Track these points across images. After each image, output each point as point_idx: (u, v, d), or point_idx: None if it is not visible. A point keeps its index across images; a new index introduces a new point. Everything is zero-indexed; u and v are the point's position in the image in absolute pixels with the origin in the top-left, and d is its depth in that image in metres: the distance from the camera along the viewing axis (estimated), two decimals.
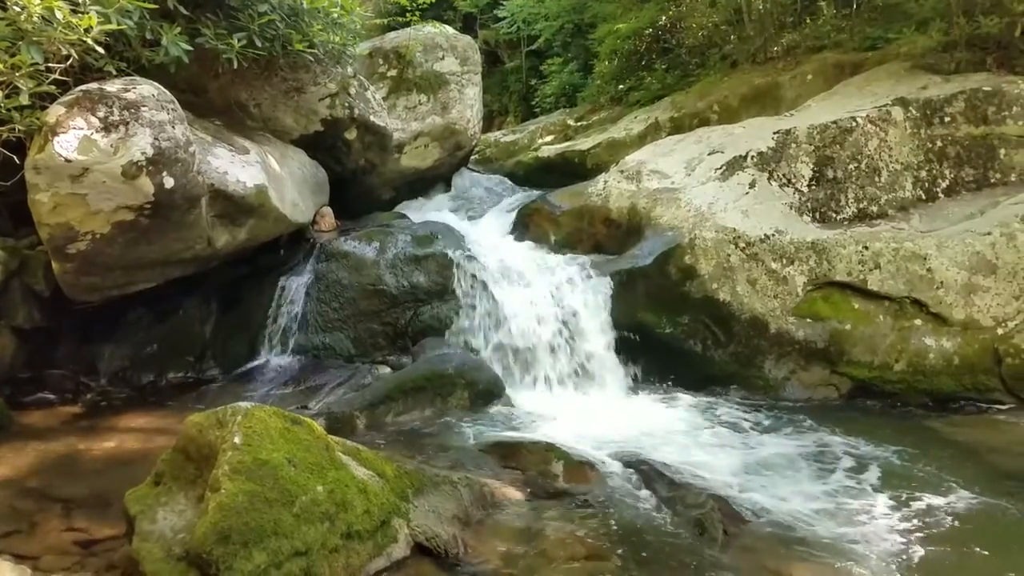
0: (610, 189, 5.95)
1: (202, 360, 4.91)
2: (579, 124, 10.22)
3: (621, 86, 10.26)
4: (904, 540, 2.88)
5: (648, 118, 8.54)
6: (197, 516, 2.29)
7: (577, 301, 5.09)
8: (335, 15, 5.50)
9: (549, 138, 10.13)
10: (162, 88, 3.90)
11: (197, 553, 2.16)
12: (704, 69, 9.14)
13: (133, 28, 3.91)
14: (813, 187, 5.38)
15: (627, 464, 3.56)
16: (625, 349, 5.00)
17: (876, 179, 5.38)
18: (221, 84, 5.28)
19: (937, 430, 4.21)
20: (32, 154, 3.52)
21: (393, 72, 7.54)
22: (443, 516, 2.78)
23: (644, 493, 3.27)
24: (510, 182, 8.32)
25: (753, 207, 5.24)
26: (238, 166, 4.59)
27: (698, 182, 5.60)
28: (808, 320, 4.83)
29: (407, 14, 8.00)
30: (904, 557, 2.75)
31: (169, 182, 3.83)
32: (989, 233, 4.83)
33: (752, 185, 5.40)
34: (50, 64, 3.48)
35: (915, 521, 3.05)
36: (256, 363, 4.89)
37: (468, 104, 7.73)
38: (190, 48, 4.27)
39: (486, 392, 4.52)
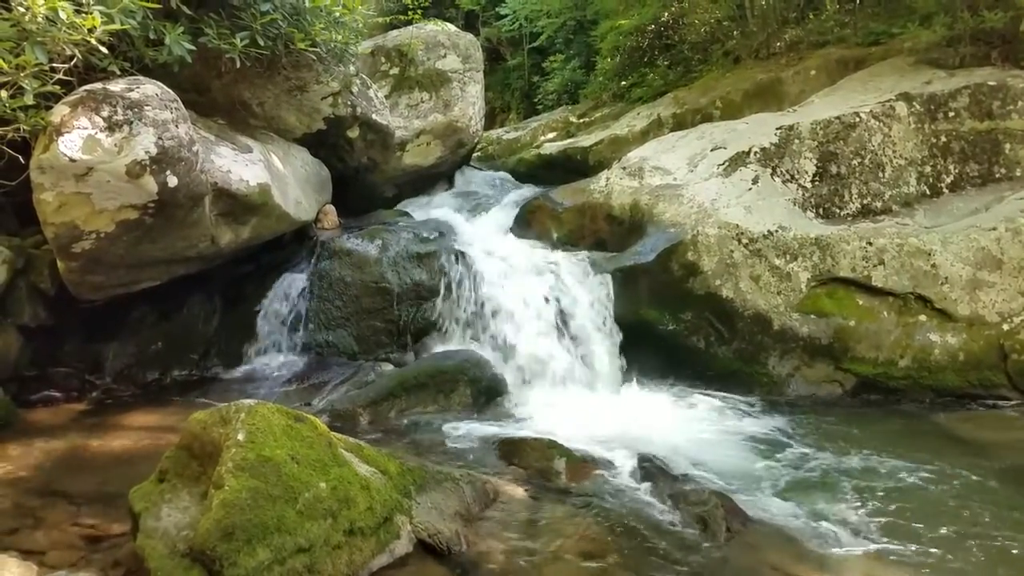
0: (612, 186, 5.95)
1: (206, 358, 4.92)
2: (581, 121, 10.21)
3: (623, 82, 10.24)
4: (910, 537, 2.88)
5: (650, 114, 8.53)
6: (201, 513, 2.30)
7: (579, 298, 5.09)
8: (337, 14, 5.50)
9: (551, 135, 10.12)
10: (165, 87, 3.91)
11: (201, 549, 2.16)
12: (706, 65, 9.12)
13: (136, 28, 3.92)
14: (816, 183, 5.37)
15: (629, 461, 3.56)
16: (627, 346, 5.00)
17: (880, 175, 5.36)
18: (224, 83, 5.29)
19: (942, 426, 4.20)
20: (37, 154, 3.54)
21: (395, 70, 7.55)
22: (445, 513, 2.78)
23: (647, 490, 3.27)
24: (512, 179, 8.32)
25: (756, 203, 5.23)
26: (241, 165, 4.60)
27: (701, 178, 5.59)
28: (812, 316, 4.82)
29: (409, 12, 7.99)
30: (910, 555, 2.75)
31: (173, 181, 3.84)
32: (994, 228, 4.81)
33: (755, 181, 5.39)
34: (54, 64, 3.49)
35: (921, 518, 3.04)
36: (260, 360, 4.90)
37: (470, 102, 7.73)
38: (193, 47, 4.28)
39: (488, 389, 4.53)
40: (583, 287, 5.14)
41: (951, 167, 5.41)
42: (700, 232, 5.08)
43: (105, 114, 3.59)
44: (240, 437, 2.38)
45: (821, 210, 5.31)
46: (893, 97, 5.59)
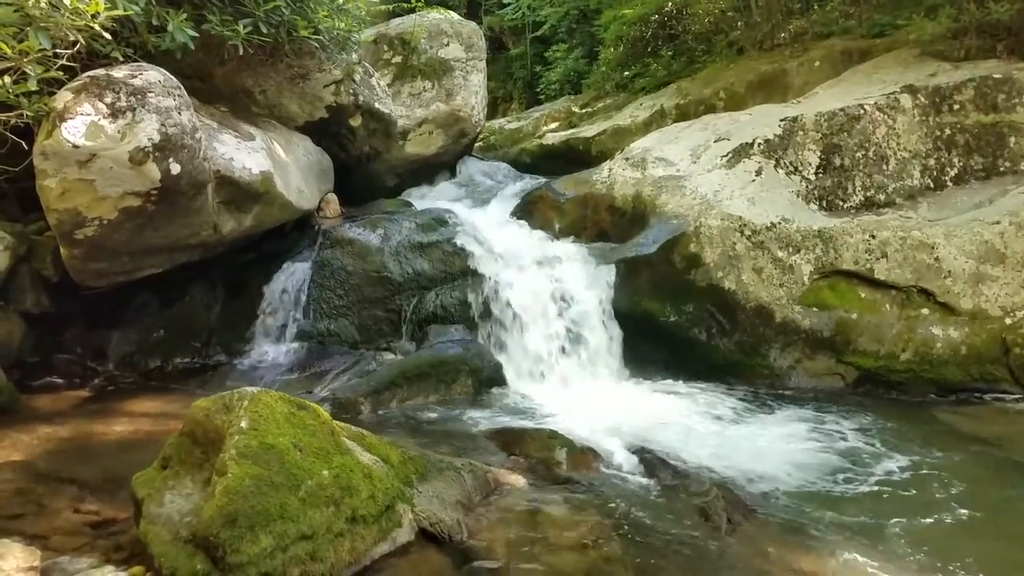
0: (615, 176, 5.94)
1: (208, 345, 4.93)
2: (584, 111, 10.19)
3: (626, 73, 10.21)
4: (910, 529, 2.89)
5: (653, 105, 8.50)
6: (204, 499, 2.30)
7: (580, 289, 5.09)
8: (340, 1, 5.48)
9: (554, 125, 10.10)
10: (168, 74, 3.90)
11: (204, 536, 2.17)
12: (710, 56, 9.09)
13: (139, 14, 3.92)
14: (820, 175, 5.36)
15: (630, 452, 3.57)
16: (629, 337, 5.00)
17: (884, 167, 5.35)
18: (227, 70, 5.28)
19: (944, 420, 4.20)
20: (40, 140, 3.53)
21: (398, 59, 7.52)
22: (447, 502, 2.79)
23: (647, 481, 3.28)
24: (514, 169, 8.30)
25: (759, 195, 5.22)
26: (244, 152, 4.59)
27: (704, 169, 5.57)
28: (814, 309, 4.82)
29: (412, 0, 7.96)
30: (909, 546, 2.76)
31: (175, 168, 3.83)
32: (998, 222, 4.80)
33: (758, 173, 5.37)
34: (57, 50, 3.47)
35: (921, 511, 3.05)
36: (262, 349, 4.90)
37: (472, 91, 7.71)
38: (196, 34, 4.26)
39: (489, 379, 4.54)
40: (585, 278, 5.14)
41: (955, 160, 5.40)
42: (703, 224, 5.07)
43: (108, 100, 3.58)
44: (243, 424, 2.39)
45: (824, 202, 5.30)
46: (898, 89, 5.57)
